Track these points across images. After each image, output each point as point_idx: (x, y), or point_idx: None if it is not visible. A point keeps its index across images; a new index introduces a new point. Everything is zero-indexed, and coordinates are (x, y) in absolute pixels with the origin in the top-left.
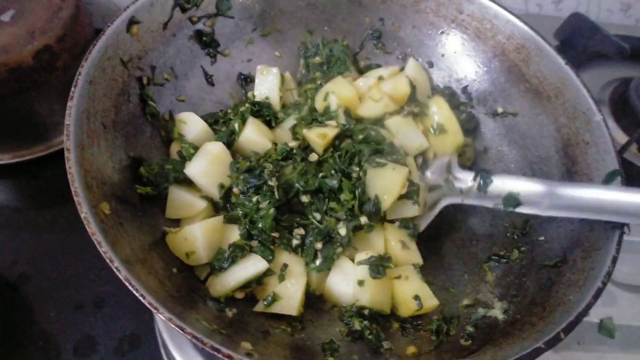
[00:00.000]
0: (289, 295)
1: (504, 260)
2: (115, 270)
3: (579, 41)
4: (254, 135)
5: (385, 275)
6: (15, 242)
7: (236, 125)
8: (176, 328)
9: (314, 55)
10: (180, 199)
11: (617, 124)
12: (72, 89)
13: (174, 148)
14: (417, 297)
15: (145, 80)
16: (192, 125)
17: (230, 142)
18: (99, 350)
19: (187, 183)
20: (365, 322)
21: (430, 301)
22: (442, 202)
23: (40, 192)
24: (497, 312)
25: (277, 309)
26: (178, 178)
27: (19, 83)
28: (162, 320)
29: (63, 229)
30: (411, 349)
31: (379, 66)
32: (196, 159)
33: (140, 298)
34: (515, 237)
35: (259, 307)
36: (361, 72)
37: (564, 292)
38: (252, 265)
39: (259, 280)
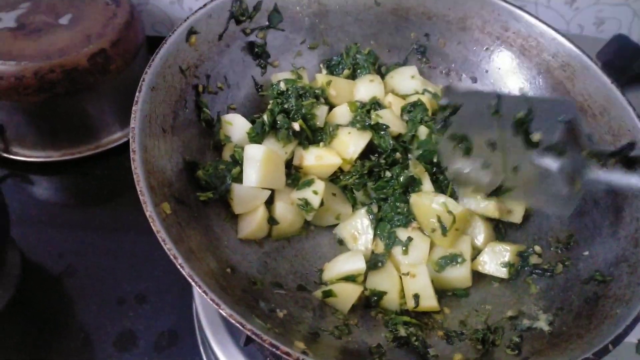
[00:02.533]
0: (346, 294)
1: (548, 273)
2: (178, 266)
3: (621, 63)
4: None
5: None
6: (62, 237)
7: (265, 118)
8: (237, 324)
9: (337, 65)
10: (244, 194)
11: None
12: (137, 93)
13: (227, 152)
14: (416, 295)
15: (200, 88)
16: (237, 126)
17: (262, 132)
18: (138, 345)
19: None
20: (411, 329)
21: (429, 301)
22: (584, 181)
23: (87, 190)
24: (542, 323)
25: (331, 302)
26: (235, 177)
27: (73, 84)
28: (206, 317)
29: (107, 226)
30: (457, 357)
31: (398, 65)
32: (247, 169)
33: (203, 294)
34: (559, 251)
35: (317, 293)
36: (383, 76)
37: (611, 306)
38: (352, 263)
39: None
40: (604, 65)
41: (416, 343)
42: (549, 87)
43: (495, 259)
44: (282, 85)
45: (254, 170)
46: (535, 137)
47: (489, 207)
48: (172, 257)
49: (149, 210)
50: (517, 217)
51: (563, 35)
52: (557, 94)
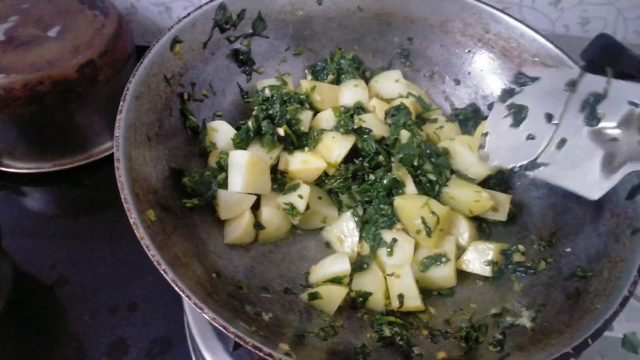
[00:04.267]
0: (332, 296)
1: (531, 271)
2: (162, 272)
3: (605, 61)
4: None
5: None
6: (54, 247)
7: (250, 124)
8: (220, 327)
9: (322, 71)
10: (230, 199)
11: None
12: (121, 102)
13: (212, 158)
14: (400, 296)
15: (186, 96)
16: (223, 133)
17: (247, 137)
18: (131, 352)
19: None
20: (395, 329)
21: (413, 301)
22: (627, 168)
23: (79, 200)
24: (525, 320)
25: (317, 304)
26: (221, 182)
27: (62, 95)
28: (195, 323)
29: (99, 236)
30: (441, 355)
31: (382, 69)
32: (232, 175)
33: (186, 299)
34: (542, 248)
35: (304, 296)
36: (367, 81)
37: (591, 301)
38: (337, 265)
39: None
40: (588, 64)
41: (400, 342)
42: None
43: (479, 258)
44: (267, 92)
45: (239, 175)
46: (600, 115)
47: (483, 196)
48: (155, 263)
49: (132, 218)
50: (502, 215)
51: (543, 36)
52: None
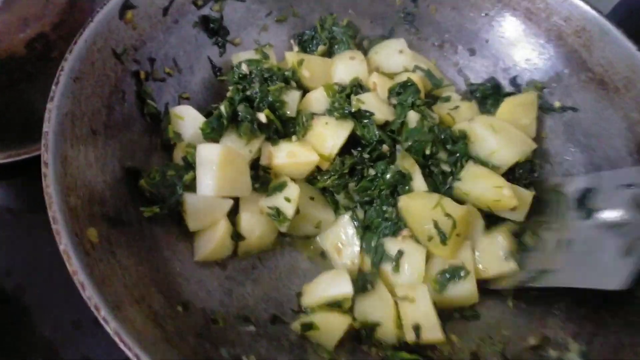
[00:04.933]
0: (331, 327)
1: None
2: (102, 320)
3: (631, 27)
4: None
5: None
6: (9, 250)
7: (222, 108)
8: None
9: (311, 40)
10: (200, 205)
11: None
12: (53, 87)
13: (178, 153)
14: (417, 327)
15: (143, 75)
16: (189, 121)
17: (219, 126)
18: None
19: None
20: None
21: (433, 333)
22: None
23: (38, 194)
24: (574, 356)
25: (313, 336)
26: (188, 184)
27: (10, 75)
28: None
29: None
30: None
31: (383, 38)
32: (202, 175)
33: (133, 358)
34: None
35: (296, 326)
36: (365, 52)
37: None
38: (336, 286)
39: None
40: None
41: None
42: (561, 57)
43: (494, 253)
44: (244, 68)
45: (210, 176)
46: (595, 207)
47: (505, 194)
48: (93, 308)
49: (63, 244)
50: (519, 214)
51: None
52: (571, 64)
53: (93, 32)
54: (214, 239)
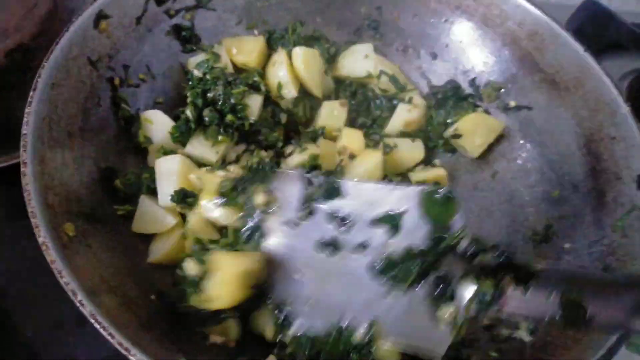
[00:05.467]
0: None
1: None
2: (78, 304)
3: (592, 30)
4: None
5: None
6: None
7: (188, 112)
8: None
9: (280, 39)
10: (150, 212)
11: (636, 119)
12: (31, 93)
13: (152, 156)
14: None
15: (117, 82)
16: (159, 124)
17: (187, 130)
18: None
19: None
20: None
21: None
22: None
23: (18, 201)
24: (523, 333)
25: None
26: (152, 187)
27: None
28: None
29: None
30: None
31: (349, 43)
32: (161, 186)
33: (109, 337)
34: (538, 245)
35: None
36: (332, 58)
37: None
38: None
39: None
40: (574, 33)
41: None
42: (516, 60)
43: None
44: (197, 72)
45: (171, 187)
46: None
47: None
48: (69, 292)
49: (41, 236)
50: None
51: (528, 0)
52: (525, 66)
53: (69, 41)
54: (167, 245)
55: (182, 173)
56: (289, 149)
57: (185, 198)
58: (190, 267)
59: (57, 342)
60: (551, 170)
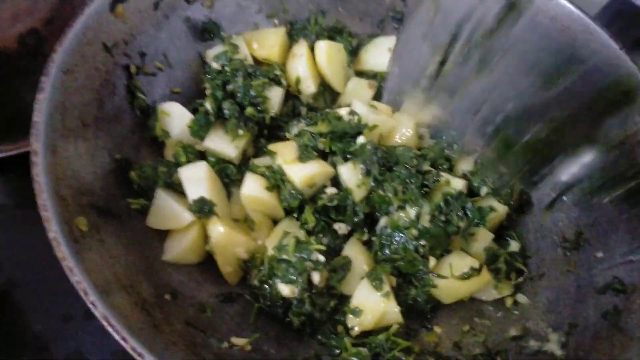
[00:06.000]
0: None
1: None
2: (90, 305)
3: (620, 27)
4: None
5: None
6: (1, 245)
7: (207, 105)
8: None
9: (302, 30)
10: (166, 207)
11: None
12: (43, 78)
13: (169, 150)
14: None
15: (133, 69)
16: (176, 118)
17: (206, 123)
18: None
19: (178, 189)
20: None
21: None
22: None
23: (26, 191)
24: (554, 346)
25: None
26: (169, 182)
27: (2, 70)
28: None
29: None
30: None
31: (372, 36)
32: (190, 192)
33: (122, 342)
34: (568, 252)
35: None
36: (355, 51)
37: (636, 323)
38: None
39: None
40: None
41: None
42: None
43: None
44: (215, 64)
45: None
46: None
47: None
48: (81, 292)
49: (52, 231)
50: None
51: None
52: None
53: (83, 25)
54: (183, 243)
55: (210, 179)
56: None
57: (204, 207)
58: None
59: (65, 335)
60: None
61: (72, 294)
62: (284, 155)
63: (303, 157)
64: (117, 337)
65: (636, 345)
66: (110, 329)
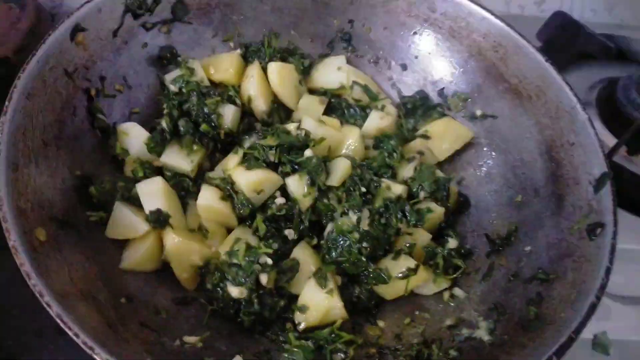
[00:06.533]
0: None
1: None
2: (45, 305)
3: (562, 41)
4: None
5: None
6: None
7: (164, 123)
8: None
9: (257, 52)
10: (123, 218)
11: (604, 126)
12: (6, 102)
13: (128, 167)
14: None
15: (93, 92)
16: (135, 136)
17: (162, 140)
18: None
19: (135, 202)
20: (339, 346)
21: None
22: None
23: None
24: (483, 332)
25: None
26: (127, 196)
27: None
28: None
29: None
30: None
31: (323, 56)
32: (146, 206)
33: (74, 337)
34: (500, 248)
35: None
36: (306, 70)
37: (555, 309)
38: None
39: None
40: (545, 44)
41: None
42: (482, 70)
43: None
44: (173, 87)
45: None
46: None
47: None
48: (37, 294)
49: (11, 240)
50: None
51: (493, 14)
52: (490, 77)
53: (45, 53)
54: (139, 252)
55: (166, 192)
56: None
57: (159, 217)
58: None
59: (37, 350)
60: (514, 176)
61: (42, 311)
62: (228, 163)
63: (251, 166)
64: (70, 333)
65: (551, 326)
66: (62, 326)
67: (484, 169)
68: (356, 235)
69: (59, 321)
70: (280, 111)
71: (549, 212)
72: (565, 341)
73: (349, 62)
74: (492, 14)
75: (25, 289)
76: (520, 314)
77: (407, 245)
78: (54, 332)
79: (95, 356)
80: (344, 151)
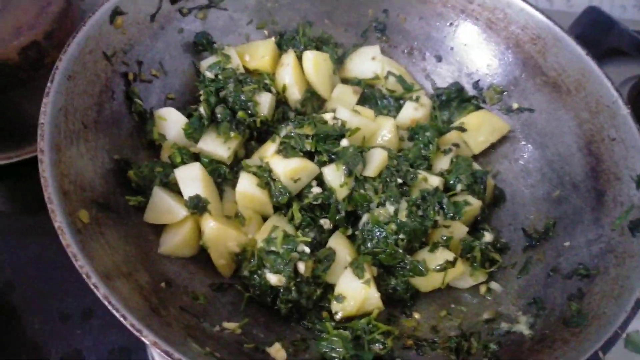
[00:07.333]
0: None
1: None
2: (92, 287)
3: (594, 36)
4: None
5: None
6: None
7: (202, 110)
8: (162, 353)
9: (290, 40)
10: (162, 203)
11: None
12: (49, 84)
13: (165, 152)
14: None
15: (131, 77)
16: (172, 122)
17: (200, 126)
18: None
19: (173, 188)
20: (377, 336)
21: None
22: None
23: (27, 196)
24: (523, 327)
25: None
26: (165, 181)
27: (3, 80)
28: None
29: (49, 234)
30: None
31: (356, 46)
32: (185, 191)
33: (122, 319)
34: (537, 242)
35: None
36: (340, 59)
37: (598, 304)
38: None
39: None
40: (576, 39)
41: (383, 352)
42: (519, 62)
43: None
44: (209, 74)
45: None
46: None
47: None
48: (84, 275)
49: (57, 221)
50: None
51: (532, 5)
52: (527, 69)
53: (85, 35)
54: (177, 237)
55: (204, 179)
56: None
57: (198, 203)
58: None
59: (63, 335)
60: (552, 170)
61: (69, 295)
62: (266, 150)
63: (288, 154)
64: (117, 315)
65: (595, 321)
66: (110, 307)
67: (521, 162)
68: (393, 226)
69: (106, 303)
70: (314, 100)
71: (589, 207)
72: (611, 336)
73: (382, 52)
74: (532, 5)
75: (52, 273)
76: (561, 309)
77: (444, 238)
78: (80, 317)
79: (143, 338)
80: (378, 141)
